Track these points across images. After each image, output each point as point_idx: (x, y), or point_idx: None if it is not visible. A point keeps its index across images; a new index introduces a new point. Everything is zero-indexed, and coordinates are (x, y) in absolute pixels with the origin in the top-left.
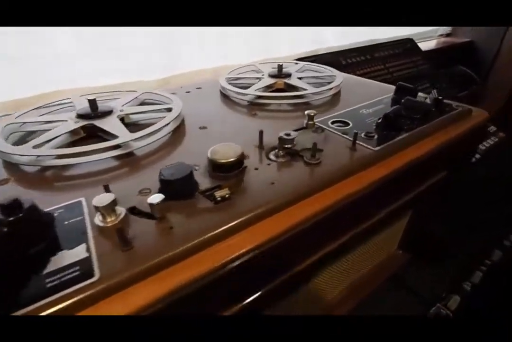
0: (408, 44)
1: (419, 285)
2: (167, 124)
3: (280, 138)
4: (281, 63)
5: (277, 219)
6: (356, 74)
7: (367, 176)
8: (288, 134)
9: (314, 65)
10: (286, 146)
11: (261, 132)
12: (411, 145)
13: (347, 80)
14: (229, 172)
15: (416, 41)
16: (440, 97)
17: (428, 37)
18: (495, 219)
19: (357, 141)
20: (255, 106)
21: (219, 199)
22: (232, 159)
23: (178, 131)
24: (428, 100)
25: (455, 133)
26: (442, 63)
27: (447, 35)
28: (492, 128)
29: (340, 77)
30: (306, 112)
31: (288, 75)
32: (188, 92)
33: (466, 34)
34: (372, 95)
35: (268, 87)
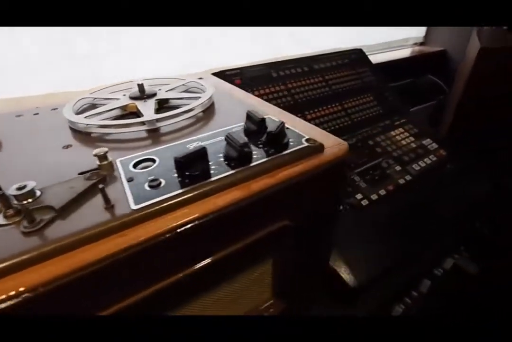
0: (355, 55)
1: None
2: None
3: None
4: (141, 83)
5: None
6: (287, 88)
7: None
8: (21, 187)
9: (197, 83)
10: (17, 203)
11: None
12: (206, 196)
13: (226, 101)
14: None
15: (387, 51)
16: (279, 129)
17: (400, 46)
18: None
19: (130, 193)
20: (86, 136)
21: None
22: None
23: None
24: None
25: (286, 176)
26: (414, 72)
27: (421, 43)
28: (433, 145)
29: (205, 99)
30: (94, 151)
31: (151, 96)
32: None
33: (439, 43)
34: (233, 121)
35: (122, 110)
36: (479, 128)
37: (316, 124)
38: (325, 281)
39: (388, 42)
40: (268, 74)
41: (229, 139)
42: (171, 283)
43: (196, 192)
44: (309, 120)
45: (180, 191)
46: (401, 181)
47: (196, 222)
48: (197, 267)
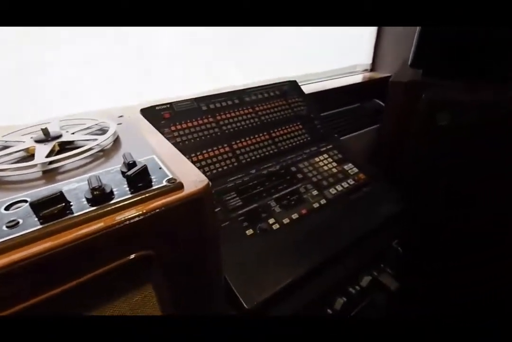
0: (287, 86)
1: None
2: None
3: None
4: (45, 127)
5: None
6: (216, 120)
7: None
8: None
9: (106, 123)
10: None
11: None
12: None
13: (129, 142)
14: None
15: (337, 77)
16: (136, 172)
17: (349, 73)
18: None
19: None
20: None
21: None
22: None
23: None
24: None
25: (144, 211)
26: (361, 97)
27: (371, 70)
28: (354, 169)
29: (101, 140)
30: None
31: (55, 138)
32: None
33: (386, 69)
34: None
35: (26, 152)
36: (397, 154)
37: (242, 153)
38: (227, 301)
39: (340, 68)
40: (198, 108)
41: (88, 182)
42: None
43: (47, 230)
44: (235, 150)
45: (32, 229)
46: (315, 205)
47: (47, 254)
48: (58, 291)
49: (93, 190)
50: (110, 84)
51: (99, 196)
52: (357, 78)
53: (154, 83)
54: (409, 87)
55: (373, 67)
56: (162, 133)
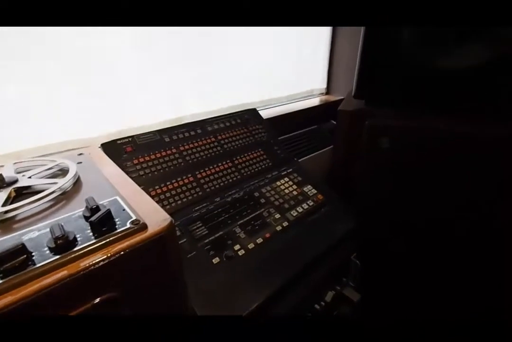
0: (248, 115)
1: None
2: None
3: None
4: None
5: None
6: (179, 151)
7: None
8: None
9: (65, 164)
10: None
11: None
12: None
13: (91, 183)
14: None
15: (295, 101)
16: (99, 217)
17: (307, 96)
18: None
19: None
20: None
21: None
22: None
23: None
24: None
25: (108, 254)
26: (319, 119)
27: (326, 93)
28: (312, 190)
29: (62, 184)
30: None
31: (11, 184)
32: None
33: (339, 92)
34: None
35: None
36: (349, 173)
37: (206, 182)
38: None
39: (298, 93)
40: (161, 140)
41: (51, 231)
42: None
43: (8, 285)
44: (199, 179)
45: None
46: (278, 228)
47: (7, 309)
48: None
49: (56, 239)
50: (68, 115)
51: (62, 244)
52: (314, 101)
53: (115, 113)
54: (354, 115)
55: (328, 90)
56: (125, 167)
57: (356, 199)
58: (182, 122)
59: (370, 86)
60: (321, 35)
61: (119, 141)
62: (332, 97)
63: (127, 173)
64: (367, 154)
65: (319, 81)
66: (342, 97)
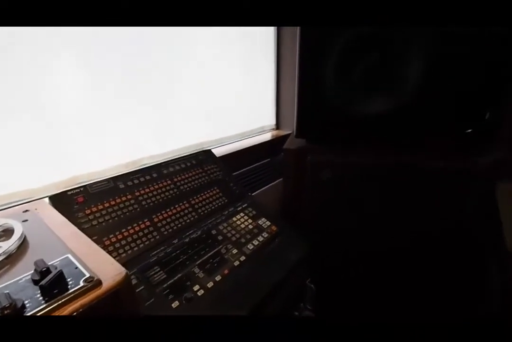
0: (202, 155)
1: None
2: None
3: None
4: None
5: None
6: (134, 196)
7: None
8: None
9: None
10: None
11: None
12: None
13: (39, 243)
14: None
15: (248, 137)
16: (50, 280)
17: (259, 132)
18: None
19: None
20: None
21: None
22: None
23: None
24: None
25: (65, 313)
26: (271, 152)
27: (277, 128)
28: (267, 223)
29: (5, 248)
30: None
31: None
32: None
33: (287, 128)
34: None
35: None
36: (298, 204)
37: (163, 225)
38: None
39: (250, 130)
40: (115, 187)
41: None
42: None
43: None
44: (156, 223)
45: None
46: (236, 263)
47: None
48: None
49: (2, 309)
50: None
51: (10, 313)
52: (266, 137)
53: (64, 160)
54: (297, 153)
55: (278, 126)
56: (76, 218)
57: (306, 228)
58: (138, 165)
59: (309, 127)
60: (268, 74)
61: (69, 192)
62: (282, 132)
63: (79, 224)
64: (312, 187)
65: (270, 118)
66: (291, 131)
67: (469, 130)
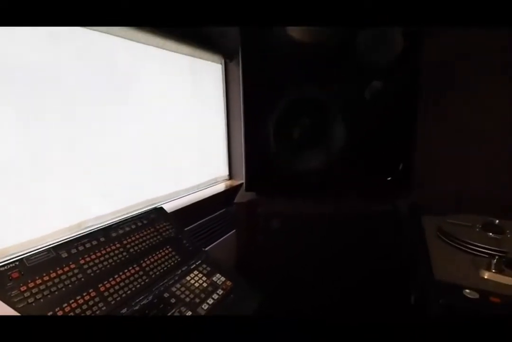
0: (154, 214)
1: None
2: None
3: None
4: None
5: None
6: (78, 265)
7: None
8: None
9: None
10: None
11: None
12: None
13: None
14: None
15: (202, 189)
16: None
17: (213, 183)
18: None
19: None
20: None
21: None
22: None
23: None
24: None
25: None
26: (226, 202)
27: (230, 178)
28: (222, 279)
29: None
30: None
31: None
32: None
33: (240, 178)
34: None
35: None
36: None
37: (111, 294)
38: None
39: (203, 182)
40: (57, 256)
41: None
42: None
43: None
44: (103, 292)
45: None
46: None
47: None
48: None
49: None
50: None
51: None
52: (220, 187)
53: None
54: (248, 206)
55: (230, 176)
56: (10, 297)
57: (261, 278)
58: (83, 227)
59: (258, 181)
60: (219, 124)
61: (1, 268)
62: (235, 182)
63: (13, 304)
64: (264, 237)
65: (223, 169)
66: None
67: (389, 178)
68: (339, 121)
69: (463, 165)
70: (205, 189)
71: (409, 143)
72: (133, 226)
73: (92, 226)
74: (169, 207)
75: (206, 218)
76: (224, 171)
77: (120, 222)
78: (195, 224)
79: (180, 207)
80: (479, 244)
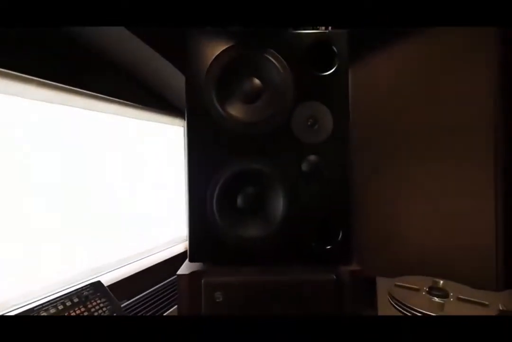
0: (88, 289)
1: None
2: None
3: None
4: None
5: None
6: None
7: None
8: None
9: None
10: None
11: None
12: None
13: None
14: None
15: (157, 252)
16: None
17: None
18: None
19: None
20: None
21: None
22: None
23: None
24: None
25: None
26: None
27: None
28: None
29: None
30: None
31: None
32: None
33: None
34: None
35: None
36: None
37: None
38: None
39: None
40: None
41: None
42: None
43: None
44: None
45: None
46: None
47: None
48: None
49: None
50: None
51: None
52: (180, 248)
53: None
54: (191, 277)
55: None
56: None
57: None
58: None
59: (201, 251)
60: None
61: None
62: None
63: None
64: (208, 308)
65: (182, 229)
66: None
67: (328, 247)
68: (279, 192)
69: (407, 226)
70: (161, 251)
71: (347, 212)
72: (60, 307)
73: (14, 306)
74: (118, 274)
75: (160, 284)
76: (184, 231)
77: (46, 303)
78: (144, 293)
79: (128, 275)
80: (422, 311)
